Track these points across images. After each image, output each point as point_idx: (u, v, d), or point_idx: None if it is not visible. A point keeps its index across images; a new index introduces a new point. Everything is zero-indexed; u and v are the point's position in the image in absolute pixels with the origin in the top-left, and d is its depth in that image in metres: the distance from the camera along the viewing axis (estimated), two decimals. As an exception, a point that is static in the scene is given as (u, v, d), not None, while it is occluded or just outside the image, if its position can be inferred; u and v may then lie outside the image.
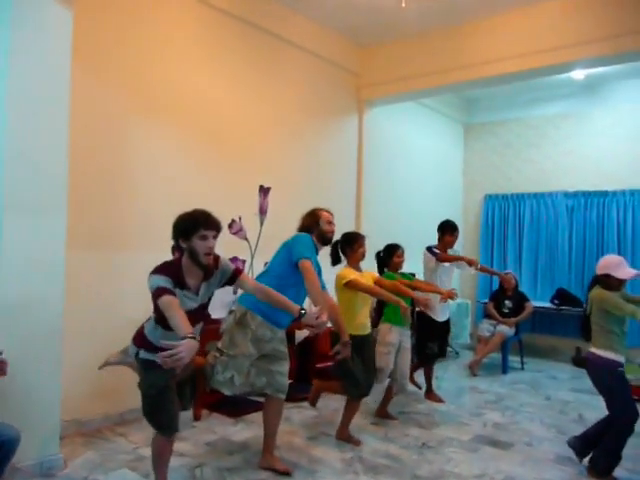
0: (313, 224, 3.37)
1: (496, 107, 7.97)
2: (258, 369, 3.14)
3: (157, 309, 2.51)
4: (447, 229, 4.82)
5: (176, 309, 2.36)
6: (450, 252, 4.86)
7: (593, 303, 3.30)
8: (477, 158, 8.25)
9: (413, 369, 4.96)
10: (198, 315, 2.68)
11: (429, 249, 4.82)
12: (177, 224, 2.59)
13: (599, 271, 3.28)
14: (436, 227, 4.91)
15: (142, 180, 4.05)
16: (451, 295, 4.37)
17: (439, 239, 4.86)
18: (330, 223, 3.41)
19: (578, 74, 6.42)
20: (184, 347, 2.13)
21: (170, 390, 2.64)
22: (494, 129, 8.08)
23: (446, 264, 4.77)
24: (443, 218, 4.99)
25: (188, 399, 2.90)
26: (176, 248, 2.64)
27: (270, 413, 3.24)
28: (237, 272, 2.80)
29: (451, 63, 5.48)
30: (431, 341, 4.73)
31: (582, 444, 3.39)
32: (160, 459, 2.75)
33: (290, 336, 4.94)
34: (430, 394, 4.87)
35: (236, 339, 3.12)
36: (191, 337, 2.20)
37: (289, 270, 3.20)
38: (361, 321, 3.72)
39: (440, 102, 7.54)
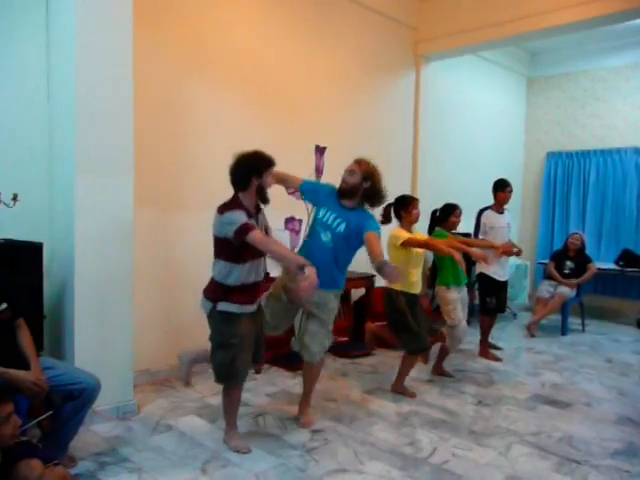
0: None
1: (562, 59, 7.54)
2: (303, 326, 3.23)
3: (224, 247, 2.65)
4: (499, 186, 4.87)
5: (275, 242, 2.64)
6: (500, 217, 4.85)
7: None
8: (540, 114, 7.89)
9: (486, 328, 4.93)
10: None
11: (481, 212, 4.90)
12: (250, 162, 2.74)
13: None
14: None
15: (201, 141, 4.13)
16: (507, 249, 4.35)
17: (494, 197, 4.91)
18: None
19: (653, 20, 5.96)
20: (314, 273, 2.43)
21: (248, 338, 2.79)
22: (559, 82, 7.67)
23: (498, 224, 4.80)
24: (502, 176, 4.94)
25: (261, 351, 3.00)
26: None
27: (307, 375, 3.34)
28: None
29: (512, 14, 5.19)
30: (489, 296, 4.81)
31: None
32: (232, 407, 2.92)
33: (346, 295, 5.03)
34: (484, 350, 4.87)
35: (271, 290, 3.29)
36: (310, 264, 2.47)
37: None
38: (412, 280, 3.77)
39: (502, 54, 7.21)
